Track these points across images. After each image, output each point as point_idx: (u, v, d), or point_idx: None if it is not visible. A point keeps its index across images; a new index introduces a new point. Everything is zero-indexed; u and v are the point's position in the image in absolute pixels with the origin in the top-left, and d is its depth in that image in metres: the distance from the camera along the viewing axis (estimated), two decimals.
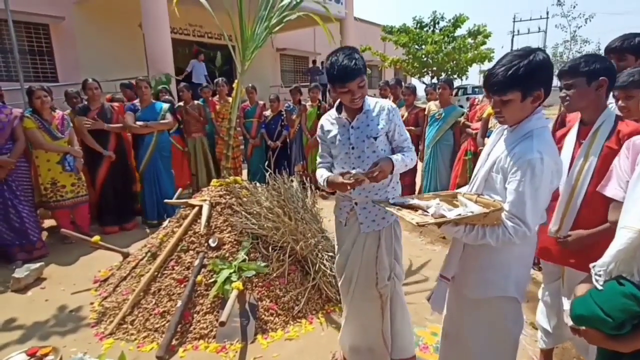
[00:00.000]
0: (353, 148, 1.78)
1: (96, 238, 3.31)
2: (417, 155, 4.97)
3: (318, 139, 1.97)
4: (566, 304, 1.13)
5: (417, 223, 1.28)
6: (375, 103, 1.81)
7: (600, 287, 1.01)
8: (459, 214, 1.30)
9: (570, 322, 1.07)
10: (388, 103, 1.82)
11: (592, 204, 1.57)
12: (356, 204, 1.85)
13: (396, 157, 1.73)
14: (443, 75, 15.84)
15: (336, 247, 2.03)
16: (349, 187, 1.66)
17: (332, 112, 1.89)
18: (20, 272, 3.08)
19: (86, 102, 4.28)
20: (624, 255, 0.97)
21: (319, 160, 1.99)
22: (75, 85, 4.89)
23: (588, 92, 1.60)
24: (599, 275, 1.03)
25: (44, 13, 8.74)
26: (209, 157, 5.42)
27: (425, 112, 4.77)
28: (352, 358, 2.06)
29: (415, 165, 4.86)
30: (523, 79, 1.26)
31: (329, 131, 1.87)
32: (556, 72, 1.68)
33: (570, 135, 1.75)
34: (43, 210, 4.10)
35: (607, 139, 1.58)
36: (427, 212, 1.39)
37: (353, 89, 1.65)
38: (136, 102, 4.49)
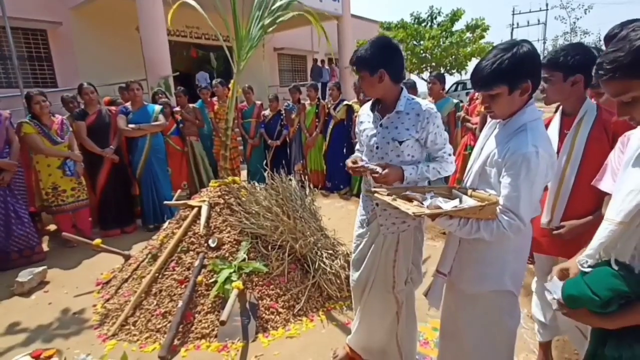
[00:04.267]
0: (377, 148, 1.71)
1: (97, 241, 3.34)
2: None
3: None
4: (549, 294, 1.13)
5: (413, 213, 1.27)
6: (412, 105, 1.68)
7: (587, 270, 1.03)
8: (455, 206, 1.31)
9: (554, 306, 1.08)
10: (426, 107, 1.67)
11: (580, 194, 1.58)
12: (377, 204, 1.77)
13: (411, 171, 1.64)
14: (442, 70, 15.83)
15: (353, 245, 1.98)
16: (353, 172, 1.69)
17: (371, 104, 1.83)
18: (24, 276, 3.10)
19: (83, 107, 4.30)
20: (604, 248, 0.99)
21: (357, 147, 1.99)
22: (74, 90, 4.90)
23: (564, 88, 1.61)
24: (584, 265, 1.05)
25: (41, 19, 8.79)
26: (198, 160, 5.38)
27: None
28: (365, 356, 2.05)
29: None
30: (508, 72, 1.26)
31: (361, 123, 1.84)
32: None
33: (553, 126, 1.75)
34: (45, 215, 4.13)
35: (591, 129, 1.59)
36: (423, 203, 1.39)
37: (362, 76, 1.68)
38: (128, 105, 4.49)
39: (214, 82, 5.73)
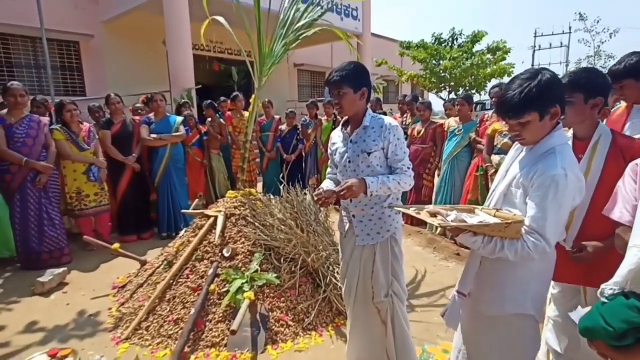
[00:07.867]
0: (349, 162, 1.85)
1: (116, 246, 3.44)
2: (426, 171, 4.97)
3: (329, 151, 2.08)
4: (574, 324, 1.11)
5: (438, 224, 1.28)
6: (376, 120, 1.84)
7: (604, 300, 1.01)
8: (481, 221, 1.29)
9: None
10: (388, 121, 1.84)
11: (595, 219, 1.55)
12: (354, 216, 1.89)
13: (372, 179, 1.73)
14: (461, 90, 15.77)
15: (340, 256, 2.09)
16: (324, 201, 1.77)
17: (341, 126, 1.99)
18: (45, 277, 3.22)
19: (109, 116, 4.49)
20: (634, 275, 0.96)
21: (328, 170, 2.10)
22: (101, 99, 5.12)
23: (584, 110, 1.60)
24: (608, 292, 1.03)
25: (74, 31, 9.23)
26: (215, 172, 5.50)
27: (445, 128, 4.75)
28: None
29: (421, 182, 4.85)
30: (537, 99, 1.29)
31: (333, 144, 1.98)
32: None
33: None
34: (67, 218, 4.28)
35: (608, 153, 1.58)
36: (447, 218, 1.35)
37: (334, 94, 1.79)
38: (151, 115, 4.66)
39: (233, 95, 5.90)
